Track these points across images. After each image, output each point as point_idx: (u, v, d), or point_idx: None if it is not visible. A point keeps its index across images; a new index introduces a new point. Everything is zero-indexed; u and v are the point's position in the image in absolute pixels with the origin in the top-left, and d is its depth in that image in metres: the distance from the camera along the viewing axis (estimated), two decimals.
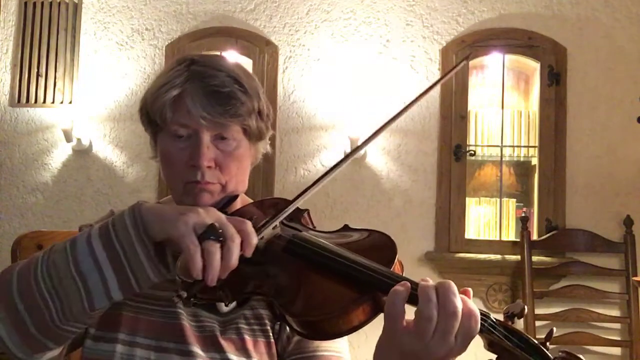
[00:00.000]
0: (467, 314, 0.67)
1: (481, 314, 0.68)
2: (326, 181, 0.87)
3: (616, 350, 2.84)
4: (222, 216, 0.74)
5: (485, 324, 0.68)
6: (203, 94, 0.90)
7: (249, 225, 0.74)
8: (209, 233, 0.70)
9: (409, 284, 0.68)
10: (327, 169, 0.89)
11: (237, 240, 0.71)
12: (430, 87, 0.99)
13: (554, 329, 0.70)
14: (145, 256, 0.73)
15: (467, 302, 0.68)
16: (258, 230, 0.76)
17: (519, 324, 2.83)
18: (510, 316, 0.69)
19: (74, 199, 3.26)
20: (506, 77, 3.12)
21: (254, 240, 0.73)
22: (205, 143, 0.92)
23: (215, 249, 0.69)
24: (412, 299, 0.67)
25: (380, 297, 0.70)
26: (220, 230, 0.71)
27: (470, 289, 0.71)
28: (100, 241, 0.76)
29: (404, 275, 0.75)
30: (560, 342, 2.74)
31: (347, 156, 0.91)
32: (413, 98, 0.96)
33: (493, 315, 0.69)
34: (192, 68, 0.93)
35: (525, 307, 0.70)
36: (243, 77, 0.95)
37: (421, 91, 0.98)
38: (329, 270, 0.74)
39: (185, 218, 0.71)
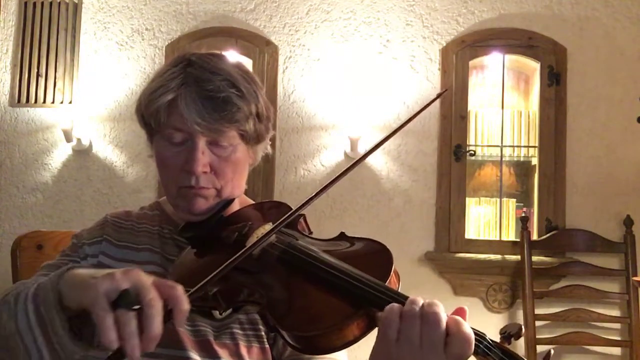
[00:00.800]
0: (461, 336, 0.65)
1: (477, 335, 0.67)
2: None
3: (616, 350, 2.84)
4: (143, 279, 0.66)
5: (481, 346, 0.66)
6: (198, 99, 0.88)
7: (178, 289, 0.66)
8: (122, 300, 0.63)
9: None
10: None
11: (158, 306, 0.64)
12: (409, 120, 0.92)
13: (552, 351, 0.68)
14: (61, 326, 0.70)
15: (460, 324, 0.66)
16: (192, 294, 0.69)
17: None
18: (507, 337, 0.68)
19: (74, 199, 3.26)
20: (506, 77, 3.12)
21: (184, 306, 0.65)
22: (200, 148, 0.90)
23: (128, 317, 0.63)
24: None
25: (375, 313, 0.69)
26: (136, 296, 0.63)
27: (466, 308, 0.69)
28: (33, 303, 0.74)
29: (399, 287, 0.74)
30: (560, 342, 2.74)
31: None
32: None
33: (489, 337, 0.68)
34: (187, 70, 0.92)
35: (523, 327, 0.69)
36: (240, 80, 0.92)
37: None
38: (324, 283, 0.73)
39: (96, 284, 0.65)
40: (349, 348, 0.97)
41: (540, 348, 2.75)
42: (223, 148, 0.92)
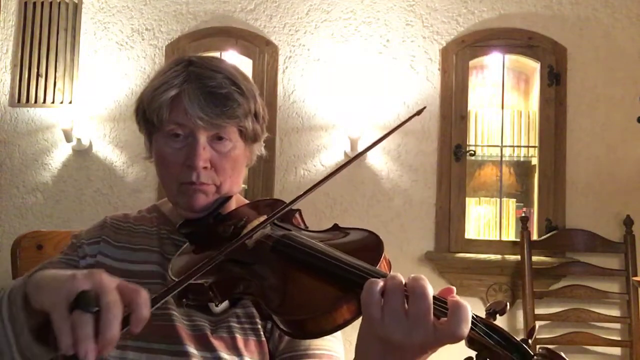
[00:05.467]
0: (459, 315, 0.63)
1: None
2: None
3: (616, 350, 2.84)
4: (106, 281, 0.63)
5: None
6: (201, 95, 0.91)
7: (142, 294, 0.63)
8: (79, 302, 0.60)
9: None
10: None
11: (116, 311, 0.61)
12: (390, 132, 0.92)
13: (537, 325, 0.69)
14: (26, 327, 0.71)
15: (459, 304, 0.64)
16: (155, 300, 0.66)
17: (519, 325, 2.77)
18: (492, 313, 0.67)
19: (74, 199, 3.26)
20: (506, 77, 3.12)
21: (145, 313, 0.62)
22: (202, 144, 0.93)
23: (84, 320, 0.59)
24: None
25: None
26: (95, 298, 0.61)
27: (453, 288, 0.68)
28: (7, 302, 0.76)
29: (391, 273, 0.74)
30: (560, 342, 2.74)
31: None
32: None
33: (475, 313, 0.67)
34: (189, 69, 0.95)
35: (507, 304, 0.68)
36: (240, 79, 0.96)
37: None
38: (314, 269, 0.74)
39: (57, 286, 0.64)
40: (347, 345, 0.98)
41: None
42: (223, 144, 0.95)
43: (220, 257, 0.74)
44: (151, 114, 0.94)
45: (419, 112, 0.94)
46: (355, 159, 0.91)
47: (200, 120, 0.91)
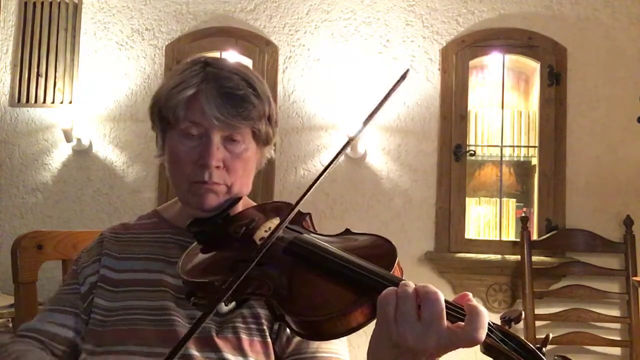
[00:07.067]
0: (476, 320, 0.65)
1: None
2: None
3: (616, 350, 2.84)
4: None
5: None
6: (218, 95, 0.92)
7: None
8: None
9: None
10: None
11: None
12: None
13: (550, 334, 0.69)
14: None
15: (476, 309, 0.66)
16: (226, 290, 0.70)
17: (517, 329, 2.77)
18: (507, 321, 0.69)
19: (74, 199, 3.26)
20: (506, 77, 3.12)
21: None
22: (216, 143, 0.94)
23: None
24: None
25: None
26: None
27: (469, 293, 0.70)
28: None
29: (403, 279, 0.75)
30: (560, 342, 2.74)
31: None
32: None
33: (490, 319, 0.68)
34: (207, 69, 0.96)
35: (523, 312, 0.70)
36: (256, 82, 0.97)
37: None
38: (328, 272, 0.74)
39: None
40: (350, 349, 0.98)
41: None
42: (236, 145, 0.96)
43: (254, 262, 0.74)
44: (167, 111, 0.95)
45: (403, 77, 0.96)
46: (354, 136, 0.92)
47: (216, 120, 0.92)
